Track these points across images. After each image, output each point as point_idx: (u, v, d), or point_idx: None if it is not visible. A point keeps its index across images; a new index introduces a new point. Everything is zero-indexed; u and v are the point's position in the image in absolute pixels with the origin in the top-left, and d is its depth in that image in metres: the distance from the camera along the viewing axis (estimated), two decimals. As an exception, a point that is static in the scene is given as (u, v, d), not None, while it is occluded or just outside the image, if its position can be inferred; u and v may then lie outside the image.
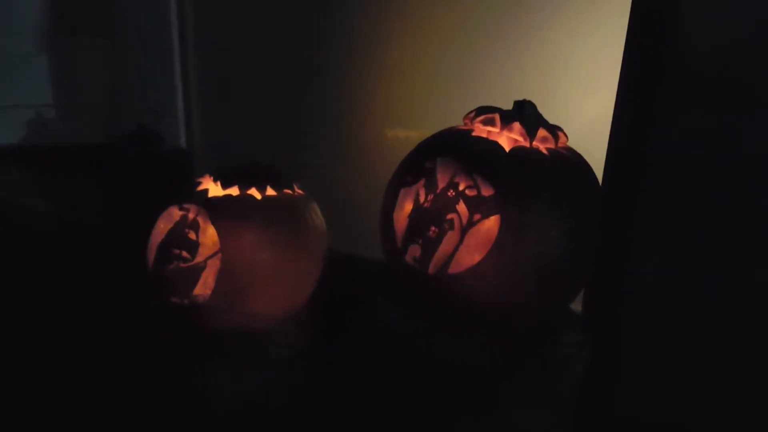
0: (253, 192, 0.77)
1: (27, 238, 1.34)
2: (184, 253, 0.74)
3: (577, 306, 0.84)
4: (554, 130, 0.70)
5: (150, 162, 1.50)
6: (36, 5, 1.90)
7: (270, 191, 0.78)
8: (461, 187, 0.66)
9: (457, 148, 0.69)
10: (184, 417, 0.75)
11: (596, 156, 0.78)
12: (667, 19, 0.73)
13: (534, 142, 0.68)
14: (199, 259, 0.74)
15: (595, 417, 0.86)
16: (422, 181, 0.70)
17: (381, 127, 1.17)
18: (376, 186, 0.83)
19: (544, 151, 0.68)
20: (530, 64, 0.95)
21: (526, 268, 0.63)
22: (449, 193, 0.66)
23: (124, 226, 1.27)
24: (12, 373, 0.84)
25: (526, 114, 0.70)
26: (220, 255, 0.72)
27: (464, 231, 0.65)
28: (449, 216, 0.66)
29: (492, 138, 0.69)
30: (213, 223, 0.73)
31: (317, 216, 0.83)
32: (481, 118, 0.71)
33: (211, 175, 0.80)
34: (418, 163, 0.71)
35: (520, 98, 0.71)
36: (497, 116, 0.70)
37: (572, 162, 0.69)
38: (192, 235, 0.74)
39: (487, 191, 0.64)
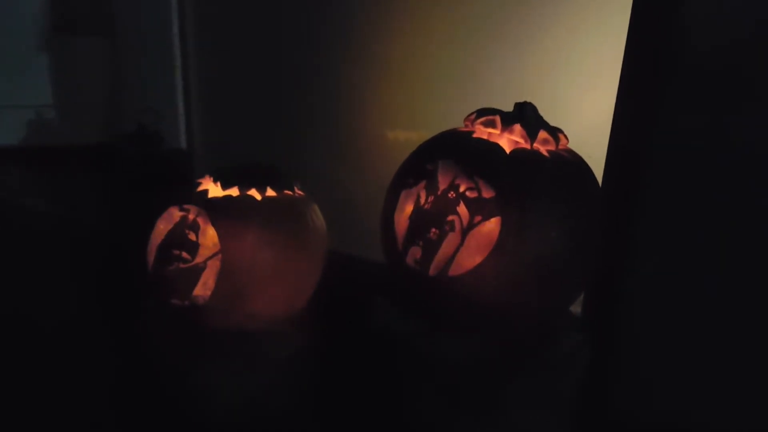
0: (253, 193, 0.77)
1: (27, 238, 1.35)
2: (184, 254, 0.74)
3: (577, 306, 0.84)
4: (555, 132, 0.70)
5: (150, 162, 1.50)
6: (36, 5, 1.90)
7: (270, 192, 0.78)
8: (462, 189, 0.66)
9: (458, 149, 0.69)
10: (184, 417, 0.76)
11: (596, 157, 0.78)
12: (667, 18, 0.73)
13: (535, 144, 0.68)
14: (199, 260, 0.73)
15: (595, 417, 0.87)
16: (423, 183, 0.70)
17: (381, 128, 1.17)
18: (377, 187, 0.83)
19: (545, 153, 0.68)
20: (531, 65, 0.95)
21: (527, 270, 0.64)
22: (450, 195, 0.66)
23: (124, 226, 1.27)
24: (12, 373, 0.84)
25: (526, 116, 0.70)
26: (220, 256, 0.72)
27: (465, 233, 0.65)
28: (450, 218, 0.66)
29: (493, 140, 0.69)
30: (213, 224, 0.73)
31: (317, 217, 0.83)
32: (482, 119, 0.71)
33: (211, 176, 0.80)
34: (419, 165, 0.71)
35: (521, 99, 0.72)
36: (498, 118, 0.70)
37: (573, 164, 0.69)
38: (192, 236, 0.74)
39: (487, 193, 0.64)
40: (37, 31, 1.91)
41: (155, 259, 0.76)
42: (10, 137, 1.93)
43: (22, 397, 0.79)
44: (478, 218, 0.64)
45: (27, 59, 1.91)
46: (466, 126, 0.74)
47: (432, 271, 0.67)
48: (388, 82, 1.15)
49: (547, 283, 0.65)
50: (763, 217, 0.70)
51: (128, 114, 1.76)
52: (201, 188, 0.78)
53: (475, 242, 0.64)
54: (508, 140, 0.69)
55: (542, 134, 0.69)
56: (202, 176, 0.82)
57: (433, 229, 0.67)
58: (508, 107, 0.72)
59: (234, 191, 0.77)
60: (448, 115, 0.85)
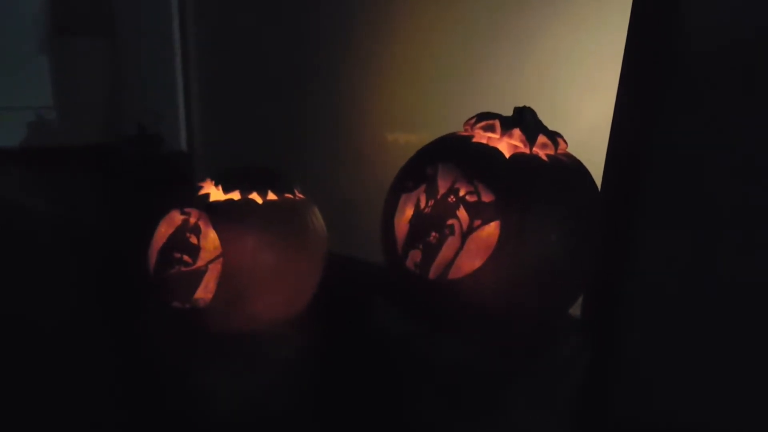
0: (255, 196, 0.77)
1: (27, 239, 1.35)
2: (186, 257, 0.74)
3: (576, 308, 0.85)
4: (554, 137, 0.71)
5: (150, 163, 1.50)
6: (36, 6, 1.89)
7: (271, 195, 0.78)
8: (462, 193, 0.66)
9: (457, 154, 0.70)
10: (185, 418, 0.76)
11: (596, 161, 0.78)
12: (667, 19, 0.73)
13: (534, 149, 0.68)
14: (200, 263, 0.74)
15: (595, 417, 0.87)
16: (423, 187, 0.70)
17: (381, 129, 1.17)
18: (376, 189, 0.83)
19: (544, 158, 0.68)
20: (531, 65, 0.95)
21: (527, 274, 0.64)
22: (450, 199, 0.67)
23: (124, 227, 1.27)
24: (12, 374, 0.84)
25: (525, 120, 0.70)
26: (221, 259, 0.73)
27: (465, 236, 0.65)
28: (450, 221, 0.66)
29: (492, 144, 0.69)
30: (214, 228, 0.73)
31: (318, 220, 0.83)
32: (482, 124, 0.71)
33: (212, 180, 0.80)
34: (419, 169, 0.71)
35: (521, 99, 0.72)
36: (497, 122, 0.70)
37: (571, 168, 0.69)
38: (193, 240, 0.74)
39: (487, 197, 0.65)
40: (37, 31, 1.91)
41: (157, 262, 0.77)
42: (10, 138, 1.93)
43: (23, 397, 0.79)
44: (477, 222, 0.65)
45: (27, 60, 1.91)
46: (466, 130, 0.74)
47: (432, 274, 0.67)
48: (388, 82, 1.15)
49: (546, 286, 0.66)
50: (763, 218, 0.70)
51: (128, 115, 1.76)
52: (202, 192, 0.78)
53: (474, 246, 0.65)
54: (508, 145, 0.69)
55: (541, 138, 0.69)
56: (202, 177, 0.82)
57: (433, 233, 0.67)
58: (508, 107, 0.72)
59: (235, 195, 0.77)
60: (448, 115, 0.86)
